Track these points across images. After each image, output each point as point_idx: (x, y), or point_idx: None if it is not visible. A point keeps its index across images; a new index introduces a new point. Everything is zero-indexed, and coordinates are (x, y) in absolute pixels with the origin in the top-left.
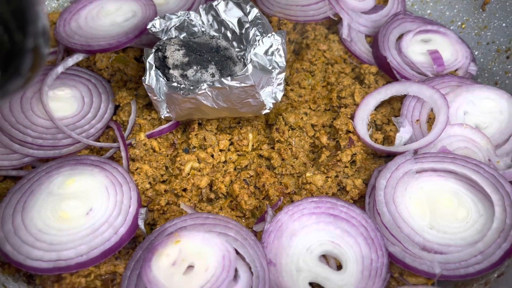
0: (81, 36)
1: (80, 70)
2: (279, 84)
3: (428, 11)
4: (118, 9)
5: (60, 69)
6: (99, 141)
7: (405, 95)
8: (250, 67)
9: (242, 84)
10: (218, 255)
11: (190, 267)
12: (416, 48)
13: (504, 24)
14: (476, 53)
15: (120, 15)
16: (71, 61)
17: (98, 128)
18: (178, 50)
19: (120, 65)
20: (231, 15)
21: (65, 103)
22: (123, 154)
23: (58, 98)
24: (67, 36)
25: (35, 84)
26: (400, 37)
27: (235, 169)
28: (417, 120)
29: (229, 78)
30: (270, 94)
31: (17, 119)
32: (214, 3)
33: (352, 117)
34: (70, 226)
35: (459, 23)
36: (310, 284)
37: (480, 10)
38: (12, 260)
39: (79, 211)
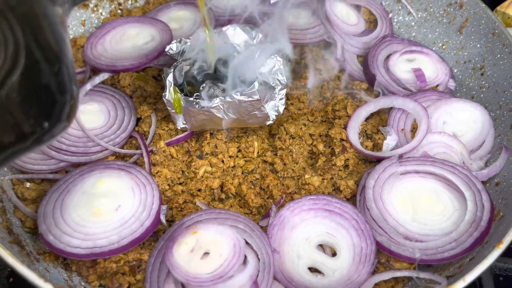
0: (106, 57)
1: (105, 87)
2: (281, 99)
3: (413, 34)
4: (138, 33)
5: (88, 86)
6: (123, 149)
7: (391, 108)
8: (256, 84)
9: (250, 99)
10: (230, 243)
11: (206, 253)
12: (402, 67)
13: (478, 45)
14: (455, 70)
15: (140, 39)
16: (98, 79)
17: (123, 138)
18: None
19: (141, 83)
20: (239, 38)
21: (93, 116)
22: (145, 159)
23: (88, 111)
24: (94, 58)
25: None
26: (388, 57)
27: (242, 172)
28: (402, 129)
29: (238, 93)
30: (273, 107)
31: None
32: (224, 29)
33: (345, 127)
34: (103, 219)
35: (440, 44)
36: (309, 269)
37: (458, 32)
38: (54, 247)
39: (109, 207)
